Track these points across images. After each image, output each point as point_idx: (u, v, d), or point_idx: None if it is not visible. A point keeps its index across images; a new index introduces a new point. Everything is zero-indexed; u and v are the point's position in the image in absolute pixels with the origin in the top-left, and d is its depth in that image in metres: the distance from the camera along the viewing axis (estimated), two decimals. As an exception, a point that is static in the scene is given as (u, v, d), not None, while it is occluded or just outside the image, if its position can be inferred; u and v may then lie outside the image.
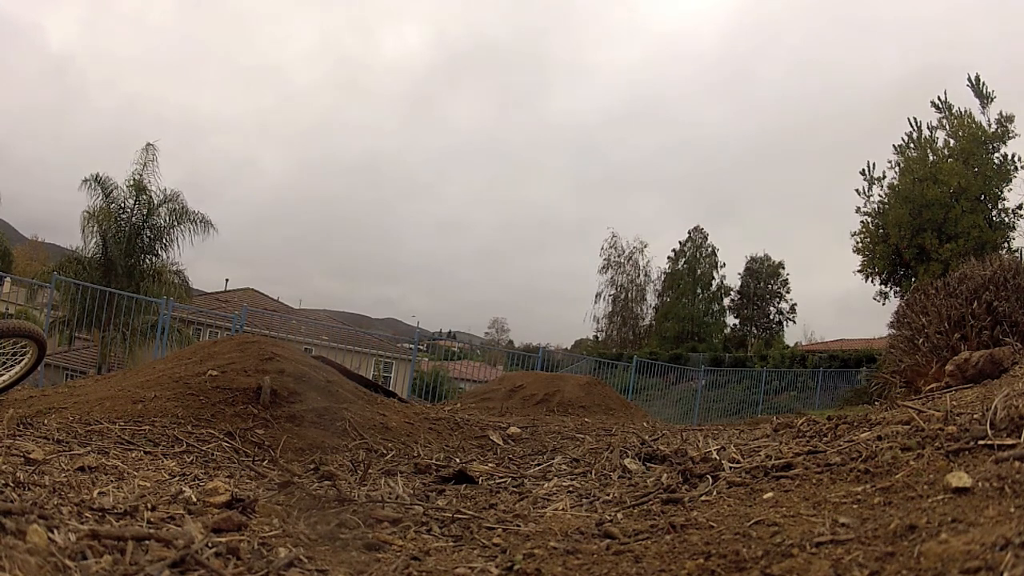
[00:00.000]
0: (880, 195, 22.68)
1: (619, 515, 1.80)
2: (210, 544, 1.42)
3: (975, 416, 1.78)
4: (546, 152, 65.74)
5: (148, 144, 19.72)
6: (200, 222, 19.31)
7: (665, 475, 2.13)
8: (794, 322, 39.19)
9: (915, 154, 22.11)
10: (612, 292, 41.49)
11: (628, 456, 2.55)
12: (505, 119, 66.69)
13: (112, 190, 19.99)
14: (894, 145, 22.59)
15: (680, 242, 40.94)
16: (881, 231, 22.19)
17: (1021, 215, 21.14)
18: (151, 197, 20.06)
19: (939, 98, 21.78)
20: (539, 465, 2.67)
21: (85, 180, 19.75)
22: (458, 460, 2.74)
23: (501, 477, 2.48)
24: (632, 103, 62.86)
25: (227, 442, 2.64)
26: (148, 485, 1.93)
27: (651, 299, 41.57)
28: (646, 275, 41.63)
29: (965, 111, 21.49)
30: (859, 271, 22.93)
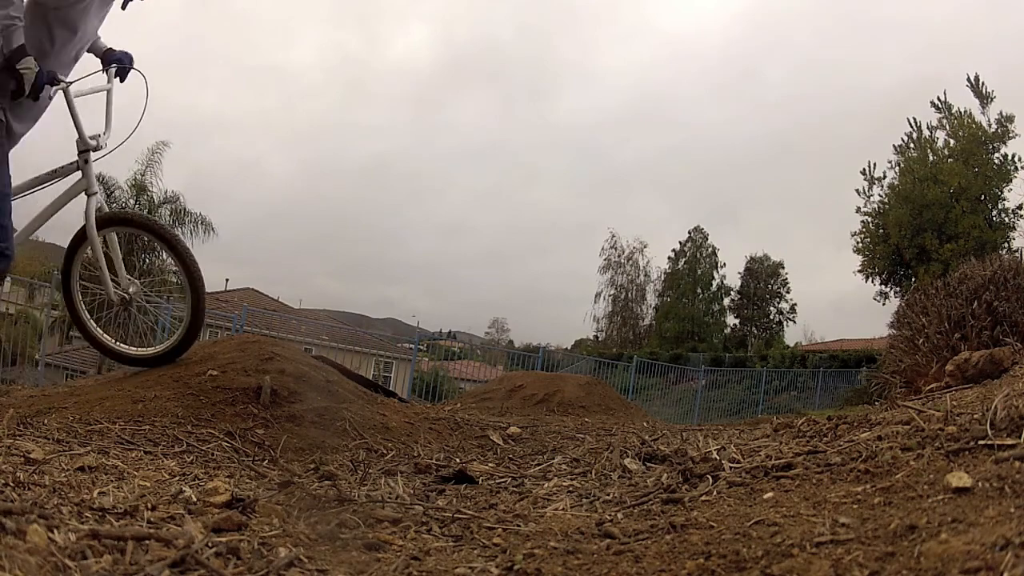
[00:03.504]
0: (880, 195, 22.69)
1: (619, 515, 1.80)
2: (210, 544, 1.42)
3: (975, 416, 1.78)
4: (547, 153, 65.76)
5: (158, 143, 19.77)
6: (200, 223, 19.35)
7: (665, 475, 2.13)
8: (794, 322, 39.22)
9: (915, 154, 22.11)
10: (612, 292, 41.53)
11: (628, 456, 2.55)
12: (507, 120, 66.66)
13: (114, 190, 20.01)
14: (894, 145, 22.61)
15: (680, 242, 40.95)
16: (881, 231, 22.20)
17: (1021, 215, 21.14)
18: (152, 197, 20.08)
19: (939, 98, 21.79)
20: (539, 465, 2.67)
21: (87, 179, 19.72)
22: (458, 460, 2.74)
23: (501, 477, 2.48)
24: (634, 104, 62.90)
25: (227, 442, 2.64)
26: (148, 485, 1.93)
27: (651, 299, 41.59)
28: (646, 275, 41.64)
29: (965, 111, 21.51)
30: (859, 271, 22.93)
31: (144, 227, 3.37)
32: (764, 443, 2.35)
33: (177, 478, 2.09)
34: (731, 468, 2.01)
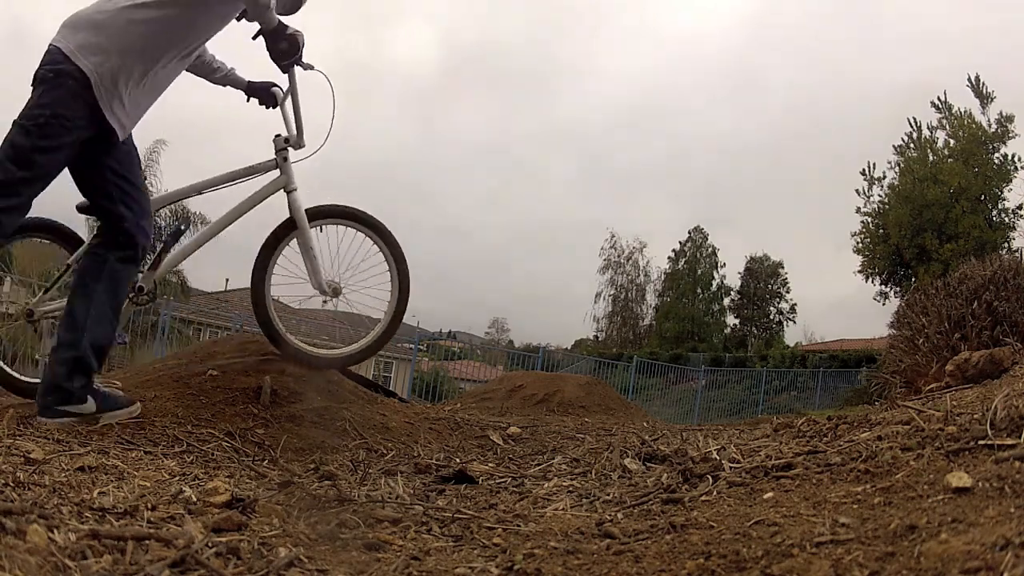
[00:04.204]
0: (880, 195, 22.71)
1: (619, 515, 1.80)
2: (210, 544, 1.42)
3: (975, 416, 1.78)
4: (548, 153, 65.66)
5: (156, 141, 19.82)
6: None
7: (665, 475, 2.13)
8: (794, 322, 39.27)
9: (915, 154, 22.12)
10: (612, 292, 41.54)
11: (628, 456, 2.55)
12: (508, 121, 66.51)
13: (113, 190, 19.96)
14: (894, 145, 22.63)
15: (680, 242, 40.96)
16: (881, 231, 22.21)
17: (1021, 215, 21.15)
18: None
19: (939, 98, 21.80)
20: (539, 465, 2.67)
21: (87, 179, 19.83)
22: (458, 460, 2.74)
23: (501, 477, 2.48)
24: (635, 104, 62.79)
25: (227, 442, 2.64)
26: (148, 485, 1.93)
27: (651, 299, 41.58)
28: (646, 275, 41.65)
29: (965, 111, 21.52)
30: (859, 271, 22.95)
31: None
32: (764, 443, 2.35)
33: (177, 478, 2.09)
34: (731, 468, 2.01)
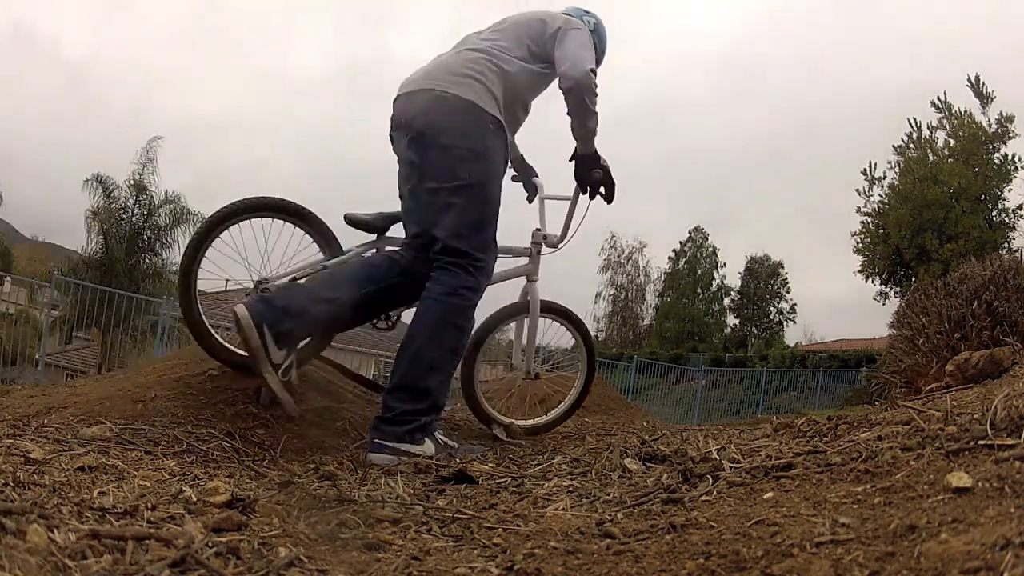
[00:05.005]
0: (880, 195, 22.69)
1: (619, 515, 1.80)
2: (210, 544, 1.42)
3: (975, 416, 1.78)
4: (548, 153, 65.61)
5: (152, 139, 19.79)
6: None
7: (665, 475, 2.13)
8: (794, 322, 39.26)
9: (915, 154, 22.10)
10: (612, 292, 41.53)
11: (628, 456, 2.55)
12: (505, 119, 66.51)
13: (113, 190, 20.02)
14: (894, 146, 22.60)
15: (680, 242, 40.92)
16: (881, 231, 22.19)
17: (1021, 215, 21.14)
18: (152, 197, 20.10)
19: (939, 98, 21.78)
20: (539, 465, 2.67)
21: (87, 180, 19.84)
22: (458, 460, 2.74)
23: (501, 477, 2.48)
24: (635, 105, 62.84)
25: (227, 442, 2.64)
26: (148, 485, 1.93)
27: (651, 299, 41.53)
28: (646, 275, 41.63)
29: (965, 111, 21.49)
30: (859, 271, 22.93)
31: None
32: (764, 443, 2.35)
33: (177, 478, 2.09)
34: (731, 468, 2.01)
